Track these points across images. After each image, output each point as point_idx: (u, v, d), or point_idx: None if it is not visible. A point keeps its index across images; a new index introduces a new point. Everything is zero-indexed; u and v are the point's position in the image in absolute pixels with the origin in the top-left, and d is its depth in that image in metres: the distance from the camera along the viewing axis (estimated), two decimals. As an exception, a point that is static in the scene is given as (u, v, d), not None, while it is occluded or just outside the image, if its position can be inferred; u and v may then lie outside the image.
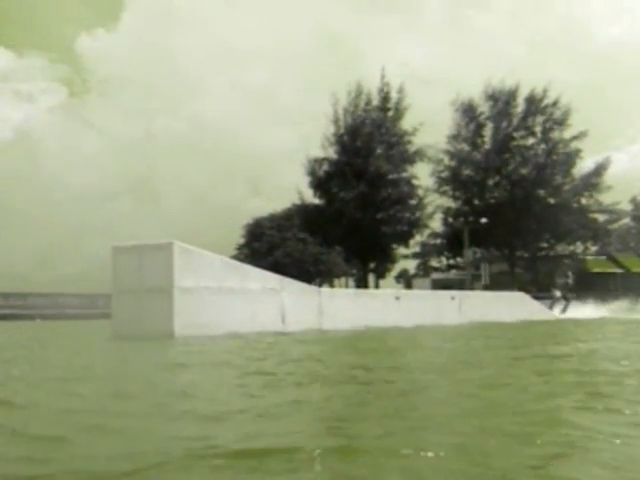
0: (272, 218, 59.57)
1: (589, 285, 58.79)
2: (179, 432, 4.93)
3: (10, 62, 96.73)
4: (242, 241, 58.56)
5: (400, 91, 62.99)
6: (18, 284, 56.28)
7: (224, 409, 5.82)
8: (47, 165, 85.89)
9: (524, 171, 64.50)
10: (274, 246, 54.89)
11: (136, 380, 8.69)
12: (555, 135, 65.02)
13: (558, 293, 47.93)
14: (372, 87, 62.99)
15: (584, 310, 42.58)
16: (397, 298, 29.77)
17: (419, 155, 63.09)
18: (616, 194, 67.79)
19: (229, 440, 4.49)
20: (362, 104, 62.64)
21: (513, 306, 36.00)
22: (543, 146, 65.17)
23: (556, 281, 55.33)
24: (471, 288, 57.01)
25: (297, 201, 61.94)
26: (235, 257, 46.36)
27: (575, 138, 64.37)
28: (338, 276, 59.33)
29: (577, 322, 30.73)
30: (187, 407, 6.06)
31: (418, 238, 66.81)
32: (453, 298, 33.32)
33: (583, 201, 66.13)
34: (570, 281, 54.86)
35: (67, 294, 57.97)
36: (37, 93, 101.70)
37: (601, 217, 68.96)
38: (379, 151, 61.19)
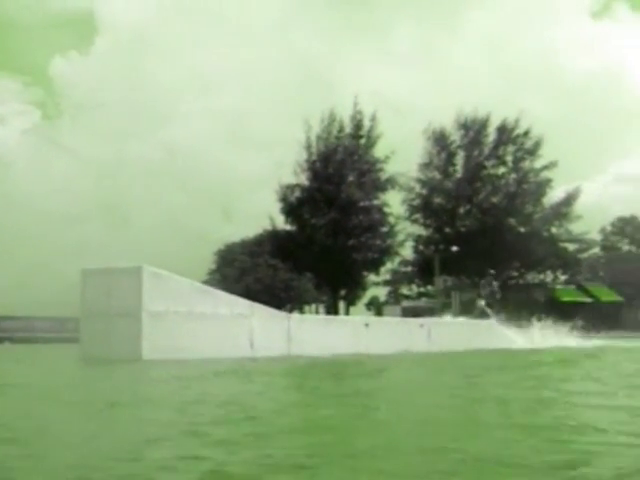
0: (244, 244, 59.61)
1: (558, 314, 58.95)
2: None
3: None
4: (214, 266, 58.50)
5: (372, 119, 63.32)
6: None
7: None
8: (18, 188, 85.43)
9: (495, 200, 65.03)
10: (245, 272, 54.81)
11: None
12: (526, 165, 65.71)
13: (482, 302, 44.97)
14: (345, 115, 63.36)
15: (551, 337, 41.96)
16: (366, 325, 29.79)
17: (391, 183, 63.40)
18: (586, 224, 68.53)
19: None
20: (335, 131, 62.94)
21: (482, 334, 36.07)
22: (514, 175, 65.81)
23: (480, 291, 53.89)
24: (441, 316, 57.08)
25: (269, 227, 62.07)
26: (206, 282, 46.17)
27: (546, 168, 65.08)
28: (309, 302, 59.32)
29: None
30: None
31: (389, 265, 67.17)
32: (422, 326, 33.34)
33: (553, 230, 66.78)
34: (495, 289, 51.47)
35: (38, 317, 57.53)
36: (10, 116, 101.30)
37: (571, 246, 69.52)
38: (351, 178, 61.45)
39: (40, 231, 76.25)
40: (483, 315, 41.50)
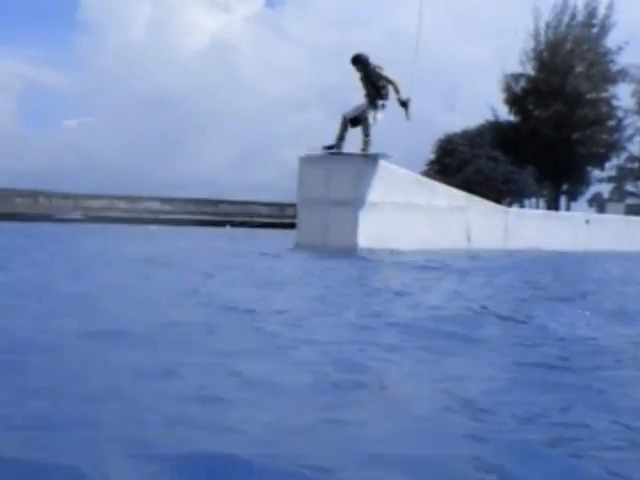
0: (464, 134, 58.84)
1: None
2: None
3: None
4: (432, 156, 58.17)
5: (609, 7, 60.11)
6: (210, 190, 57.56)
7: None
8: (241, 74, 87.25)
9: None
10: (465, 163, 54.33)
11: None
12: None
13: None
14: (578, 2, 60.43)
15: None
16: (587, 222, 28.97)
17: (622, 75, 60.59)
18: None
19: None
20: (566, 19, 60.38)
21: None
22: None
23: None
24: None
25: (490, 117, 60.80)
26: (424, 172, 46.19)
27: None
28: (529, 196, 58.38)
29: None
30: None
31: (614, 161, 64.78)
32: (645, 225, 32.23)
33: None
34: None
35: (257, 202, 58.89)
36: (233, 2, 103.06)
37: None
38: (579, 69, 59.13)
39: (261, 116, 77.82)
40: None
